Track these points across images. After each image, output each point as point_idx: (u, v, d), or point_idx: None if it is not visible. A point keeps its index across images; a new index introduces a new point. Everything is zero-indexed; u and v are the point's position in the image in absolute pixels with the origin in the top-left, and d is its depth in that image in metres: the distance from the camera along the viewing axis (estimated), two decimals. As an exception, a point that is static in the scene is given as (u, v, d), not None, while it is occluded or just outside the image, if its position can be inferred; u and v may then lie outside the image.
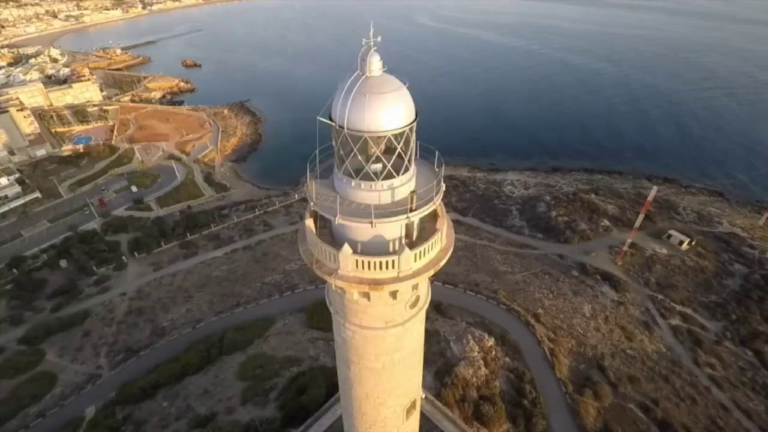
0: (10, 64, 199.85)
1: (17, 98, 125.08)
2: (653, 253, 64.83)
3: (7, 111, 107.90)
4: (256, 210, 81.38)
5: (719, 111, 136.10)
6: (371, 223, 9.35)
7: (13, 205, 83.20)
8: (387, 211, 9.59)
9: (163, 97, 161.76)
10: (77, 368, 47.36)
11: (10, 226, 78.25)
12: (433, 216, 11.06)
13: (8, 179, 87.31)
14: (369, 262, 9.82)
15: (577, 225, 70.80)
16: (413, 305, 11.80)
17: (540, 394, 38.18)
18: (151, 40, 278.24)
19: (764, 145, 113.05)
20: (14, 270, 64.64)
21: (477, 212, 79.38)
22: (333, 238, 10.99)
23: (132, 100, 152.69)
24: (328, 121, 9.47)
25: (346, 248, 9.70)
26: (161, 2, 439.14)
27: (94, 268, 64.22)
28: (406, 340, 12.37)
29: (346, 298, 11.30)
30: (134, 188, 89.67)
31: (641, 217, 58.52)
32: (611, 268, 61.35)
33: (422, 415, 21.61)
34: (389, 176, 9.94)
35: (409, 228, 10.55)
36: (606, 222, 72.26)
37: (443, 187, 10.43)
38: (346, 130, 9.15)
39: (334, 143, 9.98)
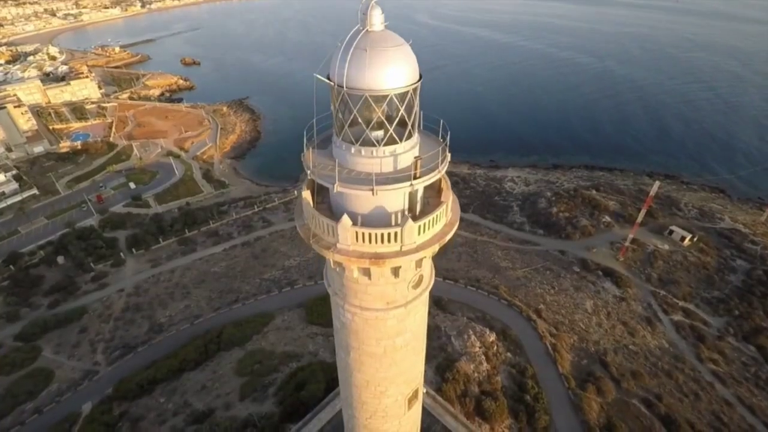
0: (8, 62, 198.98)
1: (15, 95, 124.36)
2: (655, 248, 64.43)
3: (5, 107, 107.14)
4: (255, 206, 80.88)
5: (719, 108, 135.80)
6: (372, 190, 8.77)
7: (10, 201, 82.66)
8: (389, 178, 9.04)
9: (162, 94, 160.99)
10: (74, 365, 46.88)
11: (7, 223, 77.68)
12: (437, 192, 10.54)
13: (5, 176, 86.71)
14: (370, 235, 9.25)
15: (578, 221, 70.36)
16: (416, 285, 11.25)
17: (542, 389, 37.71)
18: (150, 38, 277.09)
19: (765, 141, 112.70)
20: (11, 266, 64.10)
21: (477, 208, 78.89)
22: (332, 212, 10.50)
23: (130, 98, 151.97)
24: (326, 80, 8.93)
25: (345, 219, 9.13)
26: (160, 1, 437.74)
27: (92, 264, 63.69)
28: (409, 323, 11.83)
29: (345, 276, 10.73)
30: (132, 185, 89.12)
31: (643, 212, 58.15)
32: (613, 264, 60.95)
33: (423, 410, 21.13)
34: (391, 142, 9.37)
35: (412, 199, 10.00)
36: (607, 218, 71.84)
37: (449, 156, 9.90)
38: (345, 88, 8.57)
39: (332, 107, 9.42)
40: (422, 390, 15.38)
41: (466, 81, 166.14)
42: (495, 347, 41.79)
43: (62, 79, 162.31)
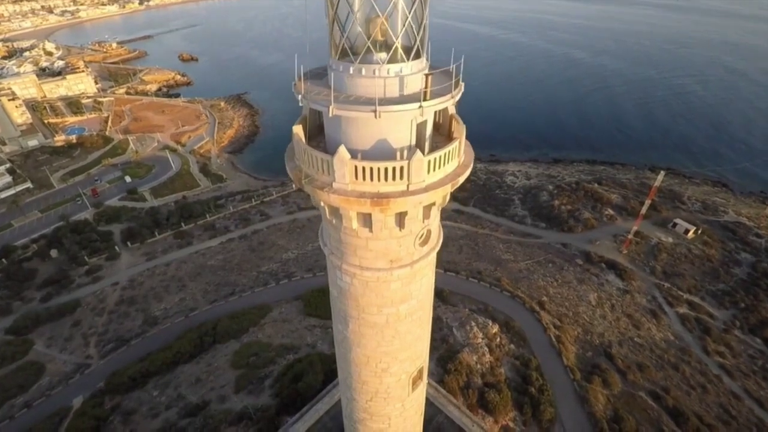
0: (4, 58, 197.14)
1: (9, 88, 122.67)
2: (659, 241, 63.46)
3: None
4: (253, 200, 79.68)
5: (720, 103, 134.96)
6: (375, 112, 7.45)
7: (3, 195, 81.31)
8: (395, 100, 7.77)
9: (159, 89, 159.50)
10: (66, 358, 45.76)
11: (0, 216, 76.34)
12: (447, 137, 9.32)
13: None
14: (371, 169, 7.93)
15: (580, 214, 69.34)
16: (424, 242, 9.98)
17: (547, 381, 36.64)
18: (148, 34, 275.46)
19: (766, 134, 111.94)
20: (3, 260, 62.83)
21: (478, 202, 77.83)
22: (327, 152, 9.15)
23: (127, 93, 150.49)
24: None
25: (343, 152, 7.82)
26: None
27: (86, 257, 62.50)
28: (415, 287, 10.55)
29: (343, 229, 9.46)
30: (128, 179, 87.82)
31: (648, 202, 57.17)
32: (616, 257, 59.95)
33: (426, 400, 20.00)
34: (397, 60, 8.04)
35: (420, 133, 8.70)
36: (610, 211, 70.86)
37: (462, 85, 8.70)
38: None
39: (327, 19, 8.14)
40: (427, 370, 14.18)
41: (465, 76, 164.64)
42: (498, 339, 40.71)
43: (58, 73, 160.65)
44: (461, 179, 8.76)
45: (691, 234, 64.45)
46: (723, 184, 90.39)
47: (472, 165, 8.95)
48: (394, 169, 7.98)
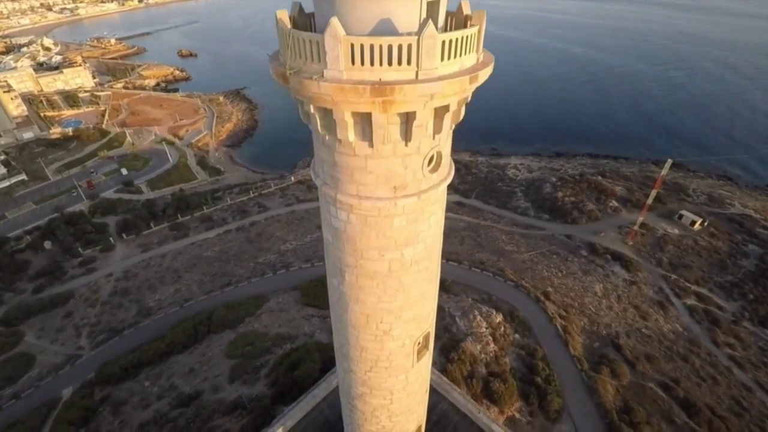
0: (1, 53, 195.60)
1: (5, 81, 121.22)
2: (664, 233, 62.19)
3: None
4: (251, 192, 78.39)
5: (724, 97, 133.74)
6: None
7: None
8: None
9: (158, 84, 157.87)
10: (57, 349, 44.51)
11: (-7, 208, 75.06)
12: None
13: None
14: (372, 48, 6.34)
15: (584, 205, 68.04)
16: (434, 168, 8.48)
17: (553, 371, 35.34)
18: (147, 31, 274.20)
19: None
20: (-5, 251, 61.48)
21: (480, 194, 76.55)
22: None
23: (125, 87, 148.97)
24: None
25: (336, 25, 6.20)
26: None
27: (80, 249, 61.24)
28: (422, 227, 9.05)
29: (338, 148, 7.95)
30: (124, 171, 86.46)
31: (654, 192, 55.91)
32: (621, 248, 58.67)
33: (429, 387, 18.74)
34: None
35: (432, 13, 7.15)
36: (614, 203, 69.55)
37: None
38: None
39: None
40: (434, 339, 12.79)
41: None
42: (502, 328, 39.39)
43: (55, 68, 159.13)
44: (481, 75, 7.29)
45: (697, 225, 63.19)
46: (728, 178, 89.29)
47: (492, 67, 7.54)
48: (400, 47, 6.40)
